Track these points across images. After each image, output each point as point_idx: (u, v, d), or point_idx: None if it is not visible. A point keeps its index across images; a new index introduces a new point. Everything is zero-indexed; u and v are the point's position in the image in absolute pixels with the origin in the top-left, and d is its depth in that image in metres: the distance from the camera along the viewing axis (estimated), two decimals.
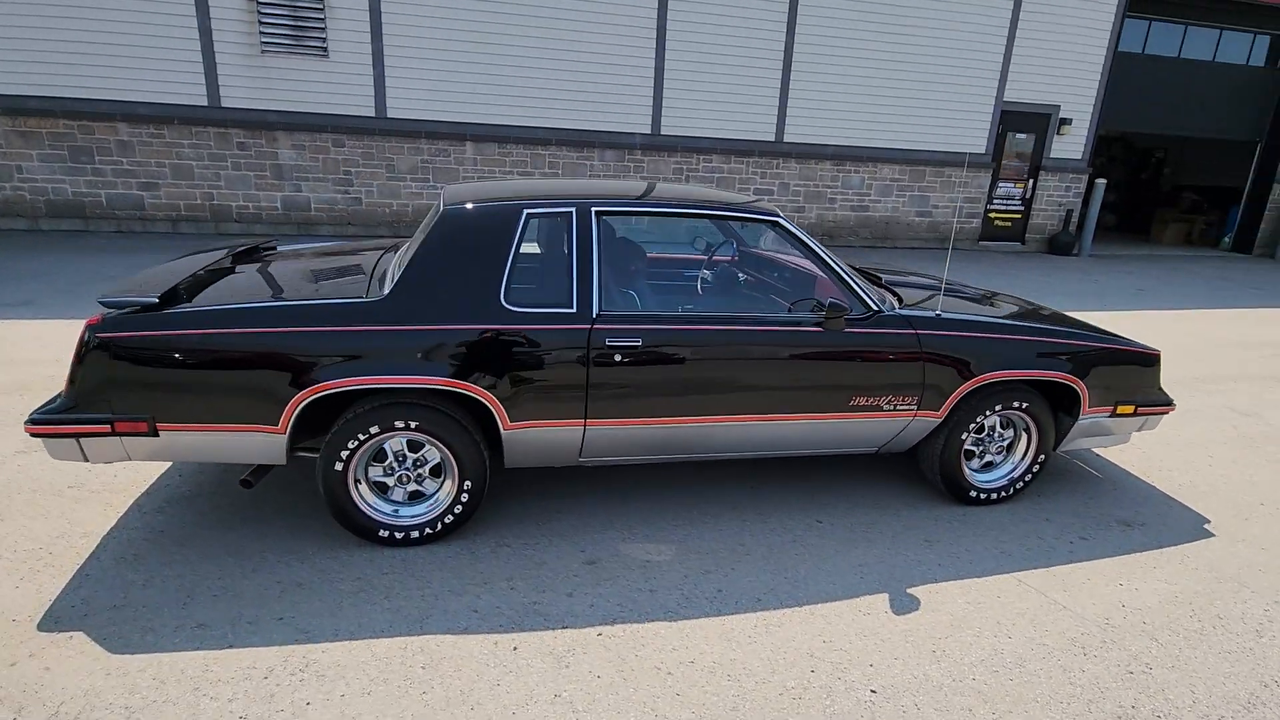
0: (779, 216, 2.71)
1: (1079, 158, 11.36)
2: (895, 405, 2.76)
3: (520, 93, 8.74)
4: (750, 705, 1.93)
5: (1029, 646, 2.22)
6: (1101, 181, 11.05)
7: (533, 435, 2.48)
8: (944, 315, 2.80)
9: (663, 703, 1.92)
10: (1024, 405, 2.92)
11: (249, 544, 2.51)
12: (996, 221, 11.31)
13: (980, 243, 11.31)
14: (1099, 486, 3.34)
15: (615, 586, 2.40)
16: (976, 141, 10.72)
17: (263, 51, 7.89)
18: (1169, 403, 3.13)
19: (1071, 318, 3.28)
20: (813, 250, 2.70)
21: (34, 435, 2.16)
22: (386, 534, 2.49)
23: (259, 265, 2.85)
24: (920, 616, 2.34)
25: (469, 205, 2.45)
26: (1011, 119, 10.77)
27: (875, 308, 2.72)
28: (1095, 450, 3.72)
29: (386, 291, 2.34)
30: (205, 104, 7.90)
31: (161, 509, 2.69)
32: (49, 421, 2.14)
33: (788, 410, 2.67)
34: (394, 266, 2.69)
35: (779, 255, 3.44)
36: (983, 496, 3.05)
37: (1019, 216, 11.40)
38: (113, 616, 2.11)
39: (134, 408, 2.19)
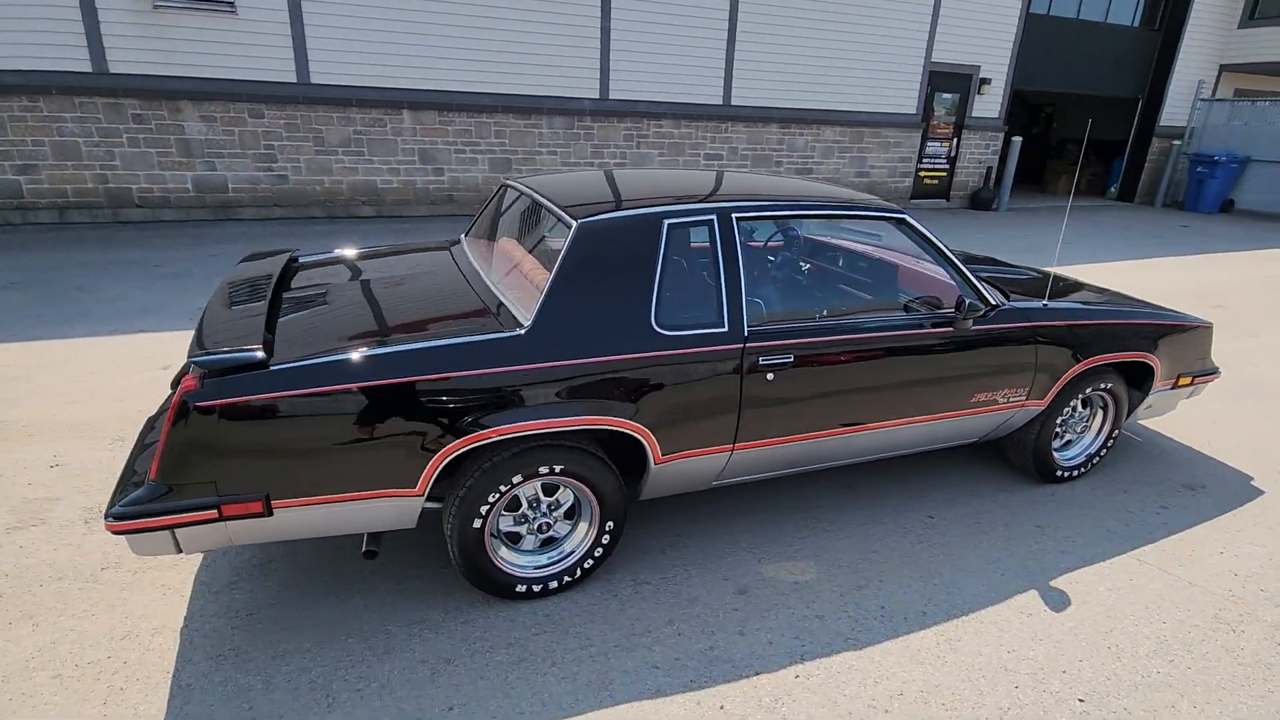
0: (905, 214, 2.58)
1: (996, 116, 11.95)
2: (1009, 398, 2.76)
3: (461, 56, 8.05)
4: None
5: (1184, 630, 2.31)
6: (1018, 139, 11.70)
7: (680, 466, 2.28)
8: (1051, 306, 2.81)
9: None
10: (1108, 386, 3.01)
11: (363, 617, 2.18)
12: (926, 180, 11.77)
13: (911, 200, 11.74)
14: (1144, 451, 3.54)
15: (781, 617, 2.28)
16: (908, 102, 11.00)
17: (155, 8, 6.78)
18: (1216, 371, 3.33)
19: (1127, 295, 3.40)
20: (935, 246, 2.61)
21: (120, 533, 1.73)
22: (524, 588, 2.23)
23: (326, 290, 2.42)
24: (1077, 611, 2.37)
25: (603, 217, 2.15)
26: (938, 80, 11.12)
27: (994, 303, 2.68)
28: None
29: (528, 322, 2.03)
30: (89, 69, 6.73)
31: (234, 585, 2.29)
32: (142, 514, 1.71)
33: (916, 412, 2.60)
34: (499, 285, 2.35)
35: (848, 243, 3.34)
36: (1066, 475, 3.14)
37: (945, 174, 11.91)
38: None
39: (245, 485, 1.80)
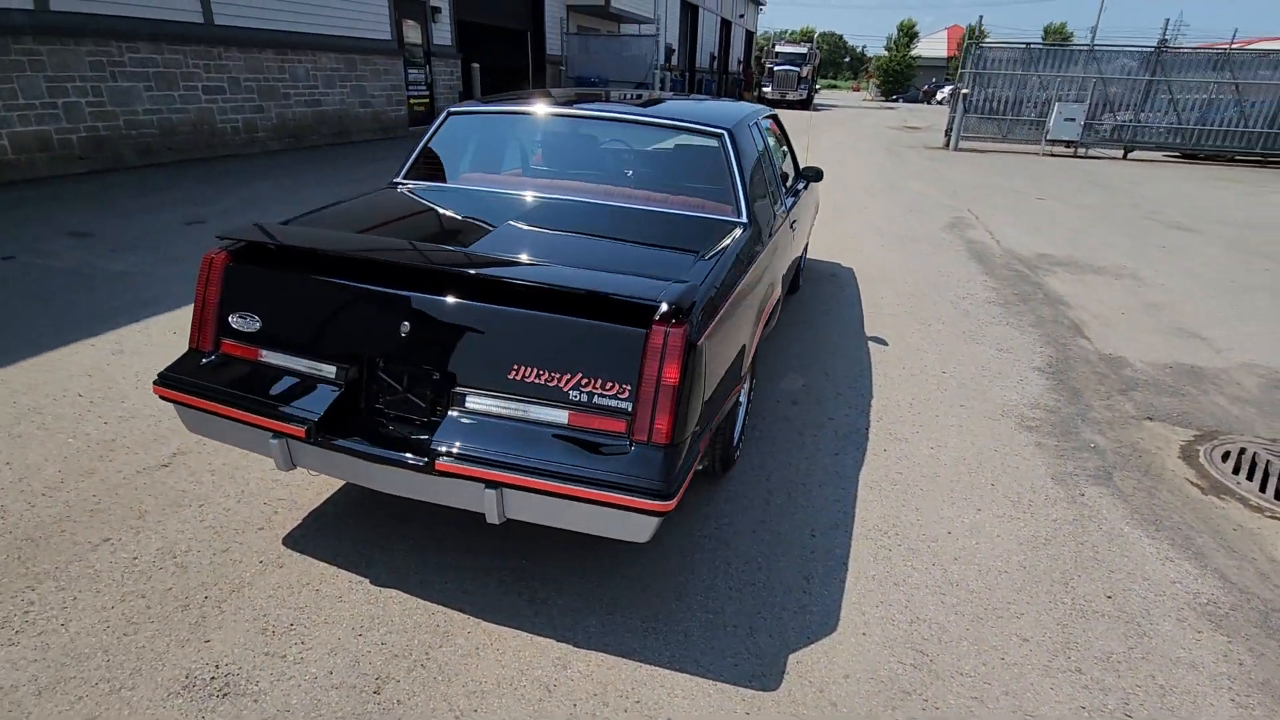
0: None
1: (451, 44, 13.03)
2: None
3: None
4: None
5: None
6: (476, 65, 13.12)
7: None
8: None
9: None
10: None
11: None
12: (416, 107, 12.20)
13: (412, 128, 12.08)
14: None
15: None
16: (384, 27, 11.05)
17: None
18: None
19: None
20: None
21: None
22: None
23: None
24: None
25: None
26: (402, 6, 11.43)
27: None
28: None
29: None
30: None
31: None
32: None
33: None
34: None
35: None
36: None
37: (428, 100, 12.56)
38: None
39: None
